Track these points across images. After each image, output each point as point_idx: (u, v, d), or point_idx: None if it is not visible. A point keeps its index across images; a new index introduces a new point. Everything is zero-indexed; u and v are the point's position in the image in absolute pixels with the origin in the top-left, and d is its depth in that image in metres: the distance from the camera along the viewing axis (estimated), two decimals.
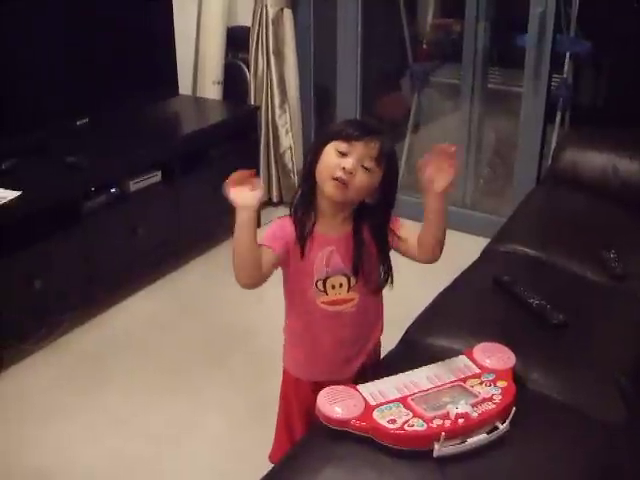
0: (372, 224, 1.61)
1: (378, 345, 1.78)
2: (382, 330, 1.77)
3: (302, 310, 1.66)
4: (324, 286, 1.60)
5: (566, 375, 1.72)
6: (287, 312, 1.71)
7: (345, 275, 1.60)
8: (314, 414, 1.47)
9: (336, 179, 1.52)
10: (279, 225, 1.60)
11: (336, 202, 1.56)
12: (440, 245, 1.57)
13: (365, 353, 1.72)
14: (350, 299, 1.63)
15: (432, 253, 1.58)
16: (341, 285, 1.61)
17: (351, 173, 1.51)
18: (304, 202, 1.60)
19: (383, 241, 1.62)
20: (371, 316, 1.72)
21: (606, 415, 1.60)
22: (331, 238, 1.59)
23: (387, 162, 1.55)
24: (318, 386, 1.57)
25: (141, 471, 2.18)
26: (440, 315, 1.97)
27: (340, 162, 1.52)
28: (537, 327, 1.85)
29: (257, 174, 1.52)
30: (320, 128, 3.97)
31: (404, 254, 1.64)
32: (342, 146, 1.52)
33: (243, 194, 1.46)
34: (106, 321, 2.89)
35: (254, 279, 1.53)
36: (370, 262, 1.62)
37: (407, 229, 1.63)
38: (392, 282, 1.65)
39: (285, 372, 1.78)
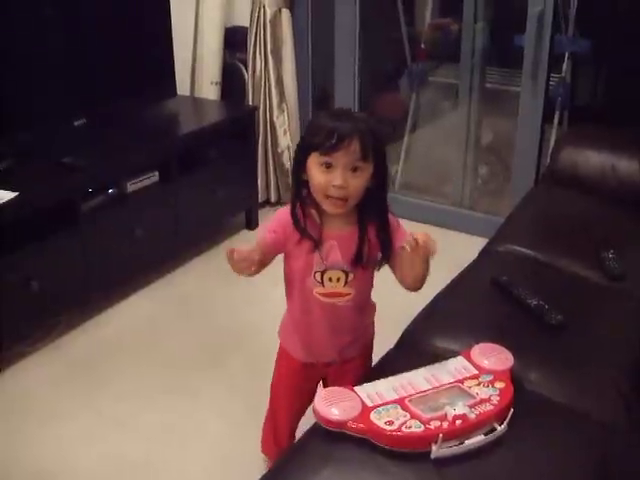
0: (375, 217, 1.60)
1: (372, 338, 1.81)
2: (373, 326, 1.80)
3: (300, 296, 1.68)
4: (321, 278, 1.62)
5: (564, 376, 1.72)
6: (287, 295, 1.74)
7: (343, 270, 1.61)
8: (302, 394, 1.61)
9: (331, 197, 1.53)
10: (281, 215, 1.62)
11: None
12: (423, 281, 1.58)
13: (358, 345, 1.75)
14: (346, 293, 1.64)
15: (414, 289, 1.61)
16: (338, 279, 1.62)
17: (342, 187, 1.51)
18: (302, 205, 1.61)
19: (387, 234, 1.61)
20: (365, 312, 1.74)
21: (605, 416, 1.60)
22: (334, 233, 1.60)
23: (374, 152, 1.53)
24: (309, 366, 1.71)
25: (139, 473, 2.17)
26: (438, 316, 1.97)
27: (329, 179, 1.51)
28: (535, 328, 1.84)
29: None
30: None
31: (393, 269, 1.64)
32: (324, 158, 1.51)
33: (239, 266, 1.51)
34: (103, 322, 2.89)
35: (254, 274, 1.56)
36: (369, 258, 1.63)
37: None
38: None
39: (281, 347, 1.81)
